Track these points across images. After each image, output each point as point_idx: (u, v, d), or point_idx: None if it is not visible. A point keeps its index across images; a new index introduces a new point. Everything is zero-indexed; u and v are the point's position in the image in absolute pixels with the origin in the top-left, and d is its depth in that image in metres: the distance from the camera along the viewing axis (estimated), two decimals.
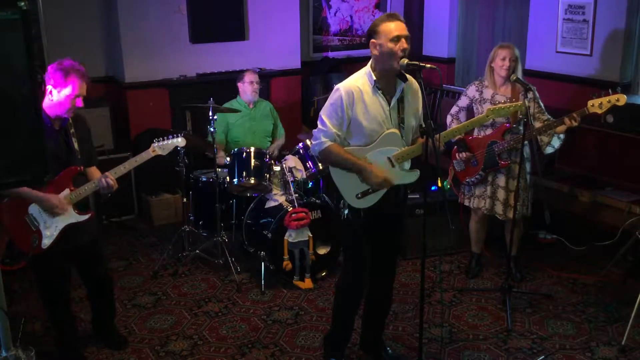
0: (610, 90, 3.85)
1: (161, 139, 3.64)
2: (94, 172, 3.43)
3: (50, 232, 3.21)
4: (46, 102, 3.17)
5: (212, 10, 5.88)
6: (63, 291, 3.47)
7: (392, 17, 3.00)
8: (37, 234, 3.20)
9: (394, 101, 3.07)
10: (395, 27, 2.94)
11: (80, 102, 3.18)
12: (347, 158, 3.06)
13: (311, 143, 3.24)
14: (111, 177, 3.29)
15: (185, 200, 4.98)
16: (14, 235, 3.25)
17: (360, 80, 3.07)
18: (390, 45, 2.93)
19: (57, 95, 3.14)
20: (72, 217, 3.26)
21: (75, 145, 3.26)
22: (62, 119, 3.23)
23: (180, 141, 3.68)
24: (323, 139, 3.08)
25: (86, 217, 3.30)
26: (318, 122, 3.13)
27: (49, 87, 3.14)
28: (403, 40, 2.94)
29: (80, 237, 3.35)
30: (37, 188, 3.13)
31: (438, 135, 2.91)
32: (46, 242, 3.21)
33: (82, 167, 3.29)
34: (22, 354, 2.50)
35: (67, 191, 3.23)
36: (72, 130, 3.27)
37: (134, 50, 5.60)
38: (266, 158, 4.62)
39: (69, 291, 3.54)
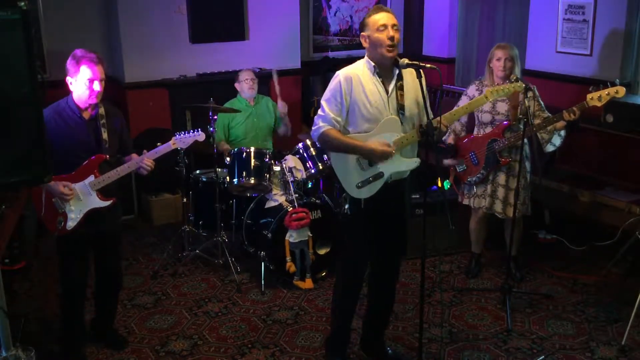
0: (609, 84, 3.85)
1: (182, 133, 3.81)
2: (135, 157, 3.57)
3: (74, 215, 3.36)
4: (74, 95, 3.30)
5: (212, 10, 5.88)
6: (81, 281, 3.53)
7: (378, 9, 3.08)
8: (63, 216, 3.35)
9: (391, 87, 3.11)
10: (381, 17, 3.01)
11: (99, 86, 3.27)
12: (344, 141, 3.09)
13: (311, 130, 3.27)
14: (147, 160, 3.48)
15: (185, 200, 4.98)
16: (45, 214, 3.39)
17: (359, 68, 3.13)
18: (377, 34, 2.99)
19: (75, 84, 3.26)
20: (95, 202, 3.40)
21: (104, 136, 3.39)
22: (92, 108, 3.34)
23: (200, 136, 3.84)
24: (321, 124, 3.12)
25: (108, 203, 3.43)
26: (318, 109, 3.18)
27: (68, 79, 3.27)
28: (390, 28, 2.99)
29: (103, 223, 3.47)
30: (63, 173, 3.29)
31: (440, 117, 2.97)
32: (71, 224, 3.36)
33: (108, 156, 3.41)
34: (22, 354, 2.51)
35: (92, 177, 3.37)
36: (102, 121, 3.39)
37: (134, 50, 5.60)
38: (266, 158, 4.62)
39: (86, 282, 3.58)
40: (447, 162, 4.31)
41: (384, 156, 3.07)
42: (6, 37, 1.92)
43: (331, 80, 3.14)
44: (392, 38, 2.98)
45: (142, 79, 5.68)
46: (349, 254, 3.37)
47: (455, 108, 4.29)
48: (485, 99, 3.30)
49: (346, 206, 3.22)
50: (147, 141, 5.13)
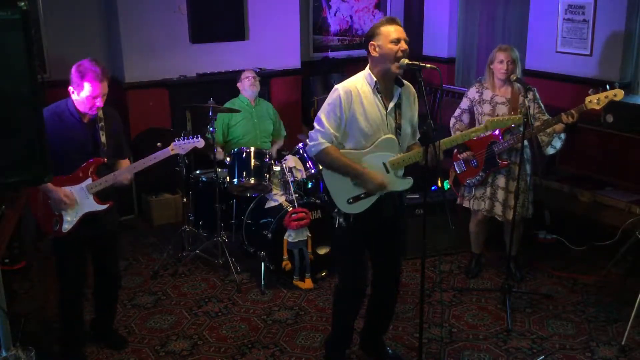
0: (607, 86, 3.86)
1: (181, 139, 3.81)
2: (126, 164, 3.58)
3: (70, 217, 3.35)
4: (74, 100, 3.31)
5: (212, 10, 5.88)
6: (79, 282, 3.53)
7: (391, 21, 3.03)
8: (59, 217, 3.34)
9: (391, 106, 3.08)
10: (395, 30, 2.98)
11: (100, 102, 3.28)
12: (344, 162, 3.05)
13: (307, 144, 3.23)
14: (127, 175, 3.45)
15: (185, 200, 4.98)
16: (40, 216, 3.40)
17: (359, 82, 3.08)
18: (390, 46, 2.96)
19: (76, 96, 3.28)
20: (91, 205, 3.39)
21: (103, 139, 3.38)
22: (90, 114, 3.34)
23: (199, 143, 3.86)
24: (321, 140, 3.07)
25: (105, 206, 3.42)
26: (315, 123, 3.12)
27: (70, 88, 3.28)
28: (403, 42, 2.97)
29: (100, 226, 3.47)
30: (60, 176, 3.28)
31: (438, 142, 2.93)
32: (66, 226, 3.35)
33: (106, 159, 3.40)
34: (22, 354, 2.51)
35: (89, 180, 3.37)
36: (101, 124, 3.39)
37: (134, 50, 5.59)
38: (266, 158, 4.62)
39: (84, 283, 3.59)
40: (463, 155, 4.28)
41: (380, 189, 3.06)
42: (6, 37, 1.92)
43: (330, 94, 3.09)
44: (404, 51, 2.96)
45: (142, 79, 5.68)
46: (345, 260, 3.35)
47: (452, 121, 4.36)
48: (484, 129, 3.29)
49: (340, 219, 3.17)
50: (147, 141, 5.14)
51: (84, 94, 3.23)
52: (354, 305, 3.41)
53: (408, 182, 3.18)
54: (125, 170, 3.45)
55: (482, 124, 3.29)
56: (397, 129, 3.10)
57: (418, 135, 3.30)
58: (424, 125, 2.99)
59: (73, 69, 3.25)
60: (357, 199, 3.10)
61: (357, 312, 3.47)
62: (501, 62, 4.12)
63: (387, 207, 3.18)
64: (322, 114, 3.08)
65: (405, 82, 3.12)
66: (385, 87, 3.07)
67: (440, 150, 2.99)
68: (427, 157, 2.94)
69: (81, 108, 3.30)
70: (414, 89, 3.18)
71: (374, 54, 3.02)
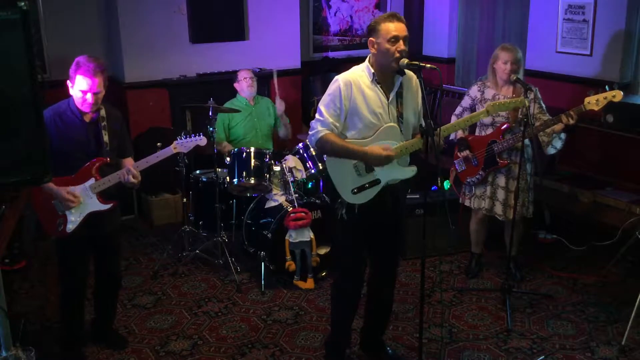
0: (607, 87, 3.86)
1: (183, 137, 3.82)
2: (129, 162, 3.56)
3: (74, 217, 3.35)
4: (72, 95, 3.31)
5: (212, 10, 5.88)
6: (81, 282, 3.53)
7: (392, 17, 3.00)
8: (63, 218, 3.35)
9: (392, 95, 3.08)
10: (394, 28, 2.95)
11: (91, 99, 3.25)
12: (344, 145, 3.04)
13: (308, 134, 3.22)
14: (134, 172, 3.43)
15: (185, 200, 4.98)
16: (43, 216, 3.40)
17: (359, 73, 3.08)
18: (388, 45, 2.94)
19: (72, 90, 3.28)
20: (95, 205, 3.39)
21: (105, 138, 3.38)
22: (92, 111, 3.33)
23: (202, 140, 3.87)
24: (320, 128, 3.07)
25: (109, 206, 3.42)
26: (316, 114, 3.13)
27: (68, 83, 3.29)
28: (401, 41, 2.95)
29: (104, 225, 3.47)
30: (62, 176, 3.27)
31: (438, 129, 2.92)
32: (70, 226, 3.35)
33: (108, 159, 3.40)
34: (22, 354, 2.50)
35: (92, 180, 3.37)
36: (103, 123, 3.39)
37: (134, 50, 5.60)
38: (266, 158, 4.62)
39: (86, 283, 3.59)
40: (463, 154, 4.28)
41: (387, 160, 3.02)
42: (6, 37, 1.91)
43: (330, 85, 3.09)
44: (401, 52, 2.94)
45: (142, 79, 5.68)
46: (345, 257, 3.35)
47: (455, 120, 4.33)
48: (485, 113, 3.26)
49: (342, 211, 3.16)
50: (148, 141, 5.13)
51: (76, 87, 3.23)
52: (353, 304, 3.41)
53: (412, 170, 3.17)
54: (129, 168, 3.43)
55: (483, 108, 3.26)
56: (400, 118, 3.09)
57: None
58: (423, 124, 2.99)
59: (72, 63, 3.26)
60: (361, 189, 3.09)
61: (356, 310, 3.47)
62: (505, 62, 4.09)
63: (390, 198, 3.18)
64: (321, 105, 3.09)
65: (406, 70, 3.07)
66: (384, 78, 3.07)
67: (440, 138, 2.98)
68: (427, 149, 2.91)
69: (78, 105, 3.30)
70: (415, 76, 3.13)
71: (372, 50, 3.04)
